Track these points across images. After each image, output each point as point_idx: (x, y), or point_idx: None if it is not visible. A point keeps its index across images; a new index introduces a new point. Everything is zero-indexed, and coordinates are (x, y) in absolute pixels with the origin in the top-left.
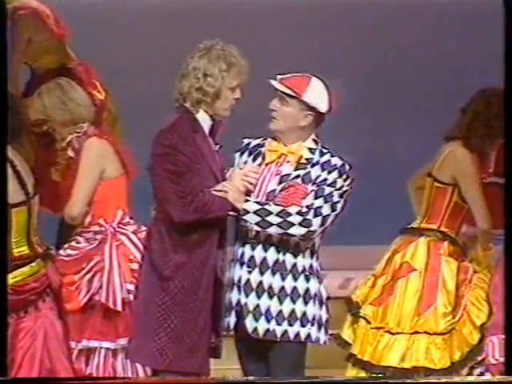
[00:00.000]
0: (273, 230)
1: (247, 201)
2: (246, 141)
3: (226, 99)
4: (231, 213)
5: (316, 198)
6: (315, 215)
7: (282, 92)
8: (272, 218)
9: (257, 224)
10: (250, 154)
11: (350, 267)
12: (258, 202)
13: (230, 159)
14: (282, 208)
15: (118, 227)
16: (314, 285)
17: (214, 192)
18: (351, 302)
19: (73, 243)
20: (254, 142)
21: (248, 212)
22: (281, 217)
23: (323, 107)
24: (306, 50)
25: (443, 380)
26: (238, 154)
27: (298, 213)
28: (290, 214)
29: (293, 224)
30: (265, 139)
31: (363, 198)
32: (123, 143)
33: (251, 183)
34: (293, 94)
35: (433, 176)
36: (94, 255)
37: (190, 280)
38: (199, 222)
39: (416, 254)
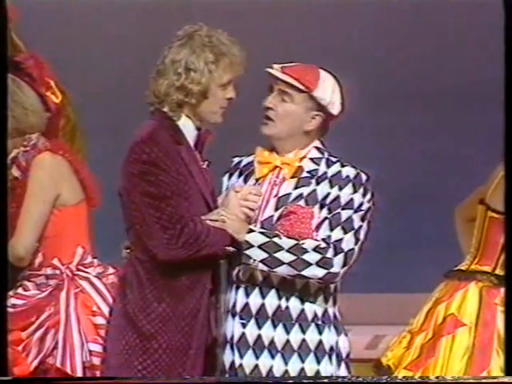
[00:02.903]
0: (283, 271)
1: (251, 231)
2: (236, 160)
3: (215, 100)
4: (230, 248)
5: (332, 228)
6: (336, 252)
7: (286, 83)
8: (282, 255)
9: (262, 262)
10: (240, 174)
11: (380, 321)
12: (264, 233)
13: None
14: (296, 242)
15: (78, 270)
16: (329, 337)
17: (208, 222)
18: (381, 365)
19: (19, 290)
20: (246, 160)
21: (251, 246)
22: (293, 254)
23: (335, 108)
24: (311, 43)
25: (443, 380)
26: (226, 177)
27: (315, 249)
28: (305, 251)
29: (309, 264)
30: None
31: (396, 233)
32: (84, 160)
33: (252, 209)
34: (301, 86)
35: (486, 203)
36: (47, 306)
37: (178, 337)
38: (189, 261)
39: (464, 304)
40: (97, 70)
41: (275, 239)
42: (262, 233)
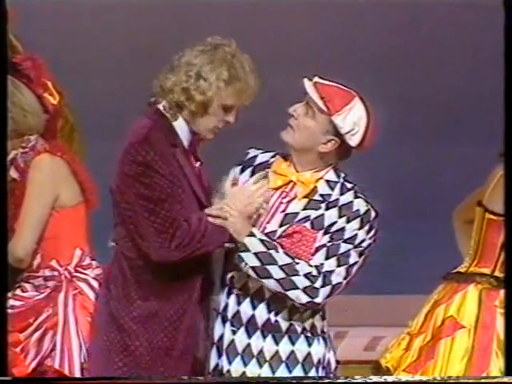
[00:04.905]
0: (270, 284)
1: (251, 234)
2: (251, 153)
3: (213, 117)
4: (228, 244)
5: (327, 257)
6: (324, 283)
7: (312, 100)
8: (274, 269)
9: (253, 269)
10: (253, 173)
11: (379, 323)
12: (263, 242)
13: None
14: (290, 261)
15: (76, 271)
16: (317, 349)
17: (209, 218)
18: (380, 367)
19: (17, 291)
20: (262, 157)
21: (248, 250)
22: (285, 272)
23: (354, 139)
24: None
25: (442, 381)
26: (238, 169)
27: (306, 275)
28: (296, 273)
29: (295, 287)
30: (274, 156)
31: (395, 234)
32: (83, 162)
33: (262, 206)
34: (323, 107)
35: (483, 205)
36: (45, 307)
37: (160, 337)
38: (181, 262)
39: (464, 306)
40: (95, 70)
41: (272, 251)
42: (261, 240)
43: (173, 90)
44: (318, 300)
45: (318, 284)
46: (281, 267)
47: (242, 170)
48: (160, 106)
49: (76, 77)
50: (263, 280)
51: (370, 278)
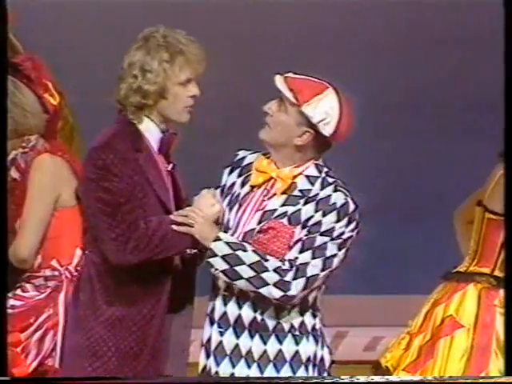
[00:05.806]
0: (242, 284)
1: (217, 239)
2: (240, 154)
3: (176, 98)
4: (192, 250)
5: (302, 250)
6: (296, 276)
7: (283, 94)
8: (242, 269)
9: (223, 272)
10: (240, 174)
11: (379, 323)
12: (229, 244)
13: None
14: (258, 259)
15: (77, 271)
16: (306, 347)
17: (173, 226)
18: (380, 367)
19: (18, 291)
20: (250, 158)
21: (215, 255)
22: (254, 270)
23: (327, 129)
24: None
25: (441, 380)
26: (227, 171)
27: (276, 270)
28: (265, 269)
29: (266, 283)
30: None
31: (395, 234)
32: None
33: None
34: (292, 99)
35: (483, 205)
36: (46, 307)
37: (128, 341)
38: (145, 266)
39: (463, 305)
40: (94, 70)
41: (238, 252)
42: (227, 243)
43: (127, 95)
44: (292, 293)
45: (288, 277)
46: (249, 266)
47: (231, 172)
48: (127, 113)
49: (75, 77)
50: (235, 282)
51: (370, 277)
